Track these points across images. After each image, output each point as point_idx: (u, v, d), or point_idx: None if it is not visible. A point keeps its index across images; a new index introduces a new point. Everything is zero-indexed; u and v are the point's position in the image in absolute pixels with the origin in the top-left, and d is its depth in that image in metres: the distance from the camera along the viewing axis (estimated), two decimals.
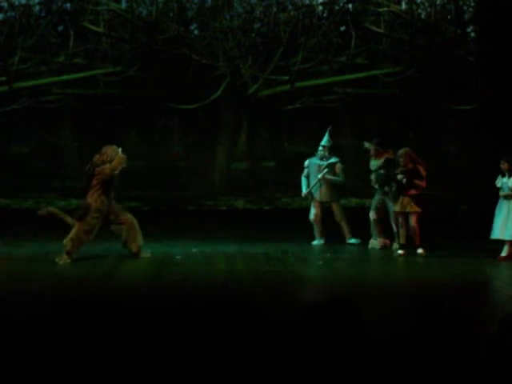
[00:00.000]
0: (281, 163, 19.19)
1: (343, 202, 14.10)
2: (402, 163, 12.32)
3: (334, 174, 13.37)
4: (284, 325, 4.16)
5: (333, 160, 13.39)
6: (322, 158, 13.44)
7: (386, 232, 12.93)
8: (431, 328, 4.14)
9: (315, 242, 13.50)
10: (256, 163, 19.32)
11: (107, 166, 11.57)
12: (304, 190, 13.59)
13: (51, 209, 12.14)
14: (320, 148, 13.48)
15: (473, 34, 18.82)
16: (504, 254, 11.82)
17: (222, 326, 4.14)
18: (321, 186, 13.42)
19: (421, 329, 4.14)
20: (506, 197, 11.89)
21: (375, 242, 12.98)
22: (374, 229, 13.01)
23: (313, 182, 13.43)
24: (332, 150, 13.49)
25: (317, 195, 13.47)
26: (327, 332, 3.92)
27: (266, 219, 17.28)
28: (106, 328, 4.19)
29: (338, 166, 13.42)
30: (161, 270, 11.15)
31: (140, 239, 11.85)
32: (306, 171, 13.61)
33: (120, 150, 11.80)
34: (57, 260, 11.33)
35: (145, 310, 4.51)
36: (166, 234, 14.37)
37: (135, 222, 11.87)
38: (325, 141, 13.51)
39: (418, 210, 12.18)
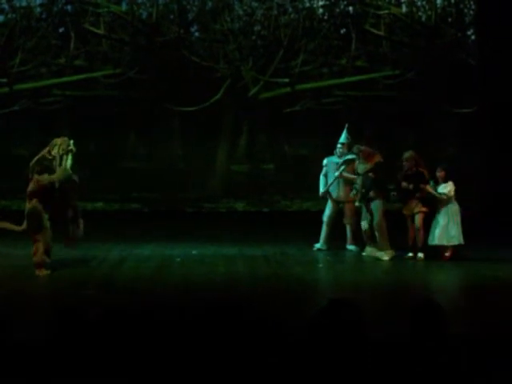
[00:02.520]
0: (281, 166, 19.19)
1: None
2: (406, 167, 12.21)
3: (352, 171, 12.98)
4: (284, 326, 4.16)
5: (350, 156, 13.03)
6: (340, 156, 13.14)
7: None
8: (431, 329, 4.15)
9: (318, 245, 13.21)
10: (256, 166, 19.31)
11: (46, 176, 10.70)
12: (321, 189, 13.34)
13: None
14: (338, 146, 13.19)
15: (473, 37, 18.84)
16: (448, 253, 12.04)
17: (222, 327, 4.14)
18: (339, 184, 13.18)
19: (420, 330, 4.14)
20: (442, 203, 11.99)
21: (370, 249, 12.53)
22: (365, 238, 12.59)
23: (331, 180, 13.20)
24: (351, 147, 13.07)
25: (334, 194, 13.21)
26: (328, 333, 3.93)
27: (266, 221, 17.28)
28: (107, 331, 4.19)
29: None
30: (160, 272, 11.14)
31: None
32: (324, 170, 13.34)
33: (72, 142, 10.96)
34: (37, 273, 10.65)
35: (144, 313, 4.50)
36: (165, 236, 14.38)
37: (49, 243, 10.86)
38: (343, 138, 13.21)
39: (424, 209, 12.07)
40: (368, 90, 18.62)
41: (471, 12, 18.81)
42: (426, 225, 12.16)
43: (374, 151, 12.58)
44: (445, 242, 11.99)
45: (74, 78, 18.20)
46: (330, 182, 13.22)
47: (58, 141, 10.93)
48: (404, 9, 18.63)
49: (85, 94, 18.44)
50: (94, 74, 18.25)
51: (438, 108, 18.12)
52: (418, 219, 12.09)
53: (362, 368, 3.78)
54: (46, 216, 10.77)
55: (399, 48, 18.66)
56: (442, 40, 18.35)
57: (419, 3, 18.63)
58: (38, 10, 18.20)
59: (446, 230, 11.94)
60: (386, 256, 12.21)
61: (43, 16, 18.22)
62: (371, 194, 12.33)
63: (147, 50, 18.22)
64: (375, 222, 12.30)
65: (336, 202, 13.26)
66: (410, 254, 12.21)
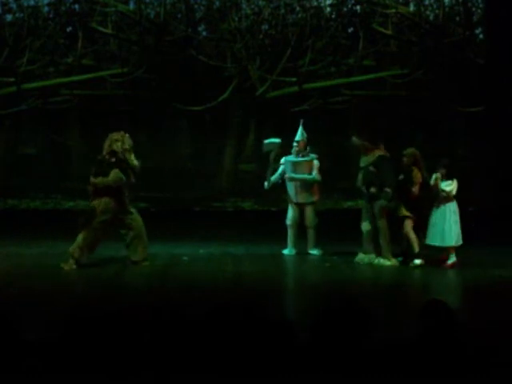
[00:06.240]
0: None
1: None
2: (404, 162, 11.34)
3: (309, 170, 12.55)
4: (291, 325, 4.16)
5: (307, 158, 12.50)
6: (297, 155, 12.62)
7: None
8: (437, 330, 4.14)
9: (286, 251, 12.62)
10: (264, 164, 19.26)
11: (100, 179, 10.90)
12: (267, 182, 12.88)
13: None
14: (294, 144, 12.67)
15: (481, 36, 18.80)
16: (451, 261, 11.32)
17: (229, 327, 4.15)
18: (296, 186, 12.62)
19: (430, 331, 4.14)
20: (442, 201, 11.22)
21: (363, 256, 11.71)
22: (365, 241, 11.71)
23: (287, 181, 12.67)
24: (309, 145, 12.69)
25: (293, 197, 12.70)
26: (333, 333, 3.93)
27: (273, 221, 17.25)
28: (114, 329, 4.19)
29: (315, 164, 12.56)
30: (168, 271, 11.15)
31: (143, 251, 11.24)
32: (281, 168, 12.82)
33: (128, 135, 11.21)
34: (62, 265, 10.89)
35: (151, 311, 4.51)
36: (173, 235, 14.39)
37: (143, 230, 11.25)
38: (298, 136, 12.69)
39: (406, 214, 11.24)
40: (376, 89, 18.59)
41: (479, 11, 18.77)
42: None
43: (375, 144, 11.64)
44: (438, 243, 11.25)
45: (82, 77, 18.22)
46: (286, 184, 12.68)
47: (117, 136, 11.16)
48: (412, 8, 18.61)
49: (93, 94, 18.46)
50: (102, 73, 18.27)
51: (446, 107, 18.08)
52: (405, 225, 11.29)
53: (366, 368, 3.78)
54: (104, 218, 10.89)
55: (407, 47, 18.64)
56: (450, 39, 18.32)
57: (427, 2, 18.60)
58: (46, 9, 18.22)
59: (443, 230, 11.17)
60: (388, 262, 11.48)
61: (51, 15, 18.25)
62: (372, 190, 11.48)
63: (155, 50, 18.24)
64: (378, 225, 11.49)
65: (296, 205, 12.70)
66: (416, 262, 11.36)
